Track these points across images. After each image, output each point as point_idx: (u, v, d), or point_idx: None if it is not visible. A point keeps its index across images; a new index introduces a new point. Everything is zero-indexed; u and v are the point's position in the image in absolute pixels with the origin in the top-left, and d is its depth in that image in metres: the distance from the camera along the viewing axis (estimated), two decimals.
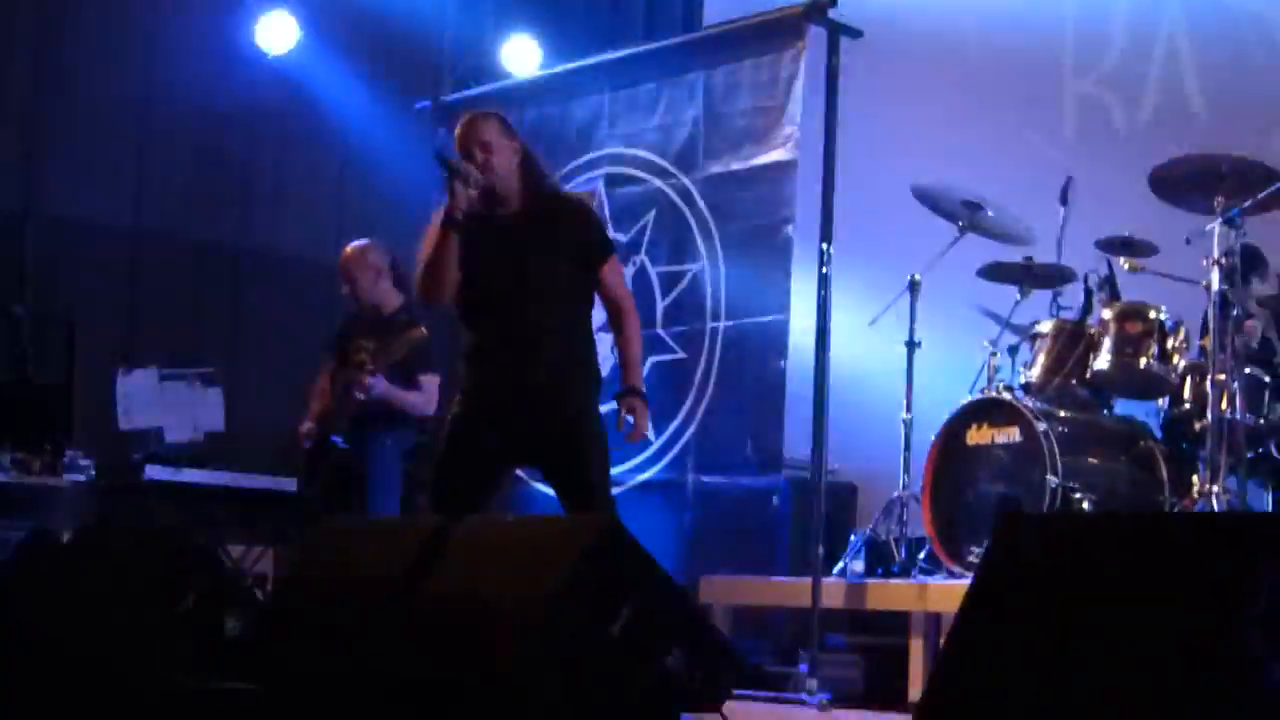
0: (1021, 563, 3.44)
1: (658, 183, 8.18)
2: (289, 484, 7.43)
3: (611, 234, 7.35)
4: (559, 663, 3.86)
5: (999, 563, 3.47)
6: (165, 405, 7.74)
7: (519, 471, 6.61)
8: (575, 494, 5.32)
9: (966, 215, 6.96)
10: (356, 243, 7.16)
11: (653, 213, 8.15)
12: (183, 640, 4.65)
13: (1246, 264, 6.24)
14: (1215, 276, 5.92)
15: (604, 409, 5.49)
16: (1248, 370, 6.11)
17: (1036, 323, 6.83)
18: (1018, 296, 6.97)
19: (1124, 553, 3.33)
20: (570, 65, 8.93)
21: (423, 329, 6.62)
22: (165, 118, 8.84)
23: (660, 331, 7.88)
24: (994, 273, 7.01)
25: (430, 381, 6.77)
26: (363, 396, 6.63)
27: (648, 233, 8.14)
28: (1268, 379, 6.15)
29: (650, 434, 7.69)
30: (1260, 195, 5.72)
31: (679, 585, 4.13)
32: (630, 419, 5.37)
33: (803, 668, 6.21)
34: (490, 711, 3.82)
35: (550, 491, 5.52)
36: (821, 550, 6.37)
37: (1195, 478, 6.12)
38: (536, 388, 5.35)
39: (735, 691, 5.31)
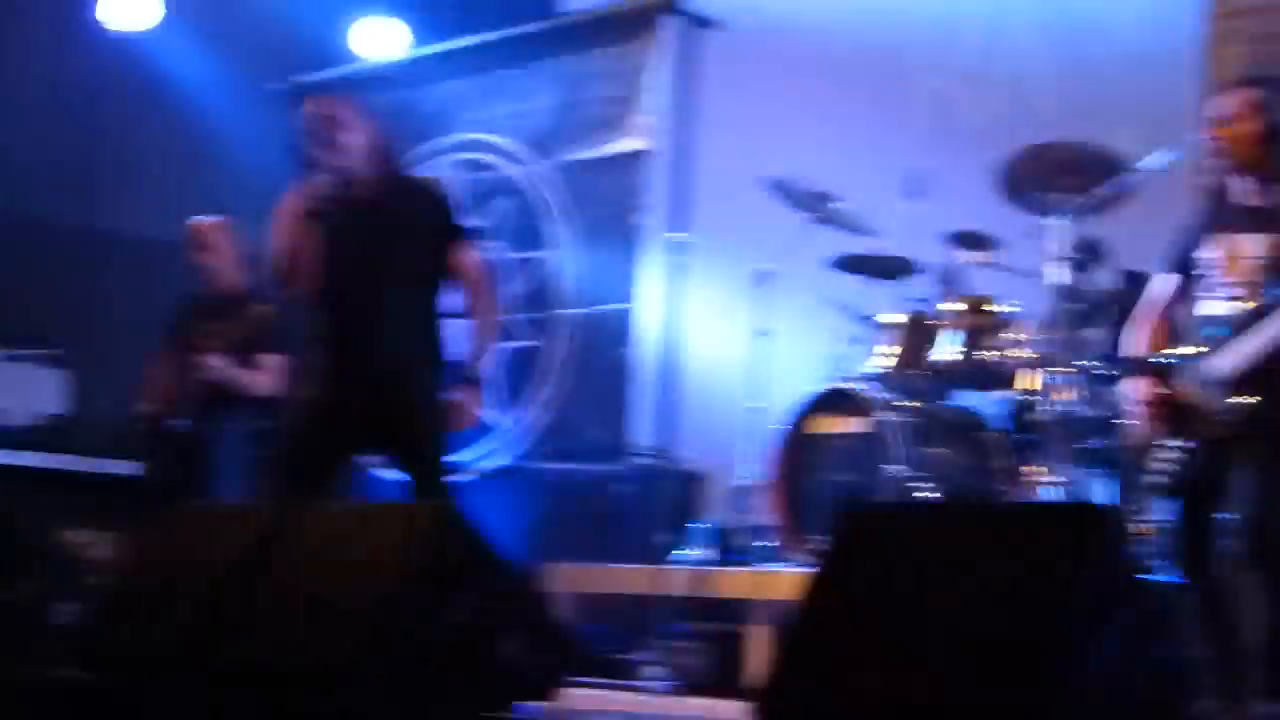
0: (860, 551, 3.48)
1: (512, 169, 8.16)
2: (132, 468, 7.28)
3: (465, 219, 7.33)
4: (395, 649, 3.83)
5: (838, 551, 3.50)
6: (3, 387, 7.56)
7: (364, 457, 6.55)
8: (417, 478, 5.30)
9: (818, 206, 6.99)
10: (205, 218, 7.02)
11: (506, 199, 8.13)
12: (10, 628, 4.55)
13: (1088, 257, 6.34)
14: (1055, 270, 6.00)
15: None
16: (1085, 362, 6.20)
17: (883, 314, 6.88)
18: (866, 287, 7.03)
19: (957, 541, 3.38)
20: (427, 49, 8.89)
21: (269, 308, 6.53)
22: (6, 93, 8.63)
23: (512, 318, 7.85)
24: (844, 264, 7.06)
25: (273, 362, 6.62)
26: (204, 377, 6.52)
27: (500, 219, 8.12)
28: (1104, 371, 6.24)
29: (503, 420, 7.69)
30: (1101, 189, 5.79)
31: (517, 571, 4.11)
32: (462, 406, 5.37)
33: (645, 655, 6.22)
34: (327, 699, 3.78)
35: (394, 477, 5.49)
36: (668, 538, 6.37)
37: (1033, 467, 6.19)
38: (381, 371, 5.32)
39: (579, 679, 5.33)
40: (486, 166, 8.24)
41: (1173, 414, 4.78)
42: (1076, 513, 3.72)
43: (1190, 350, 4.82)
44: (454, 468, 5.47)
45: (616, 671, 6.27)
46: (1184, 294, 5.04)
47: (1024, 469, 6.33)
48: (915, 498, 6.20)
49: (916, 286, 6.91)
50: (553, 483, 7.49)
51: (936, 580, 3.25)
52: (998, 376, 6.60)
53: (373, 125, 5.46)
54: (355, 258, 5.33)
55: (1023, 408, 6.51)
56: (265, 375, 6.62)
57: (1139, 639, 3.33)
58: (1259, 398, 4.58)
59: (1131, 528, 6.15)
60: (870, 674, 3.16)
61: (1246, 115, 4.80)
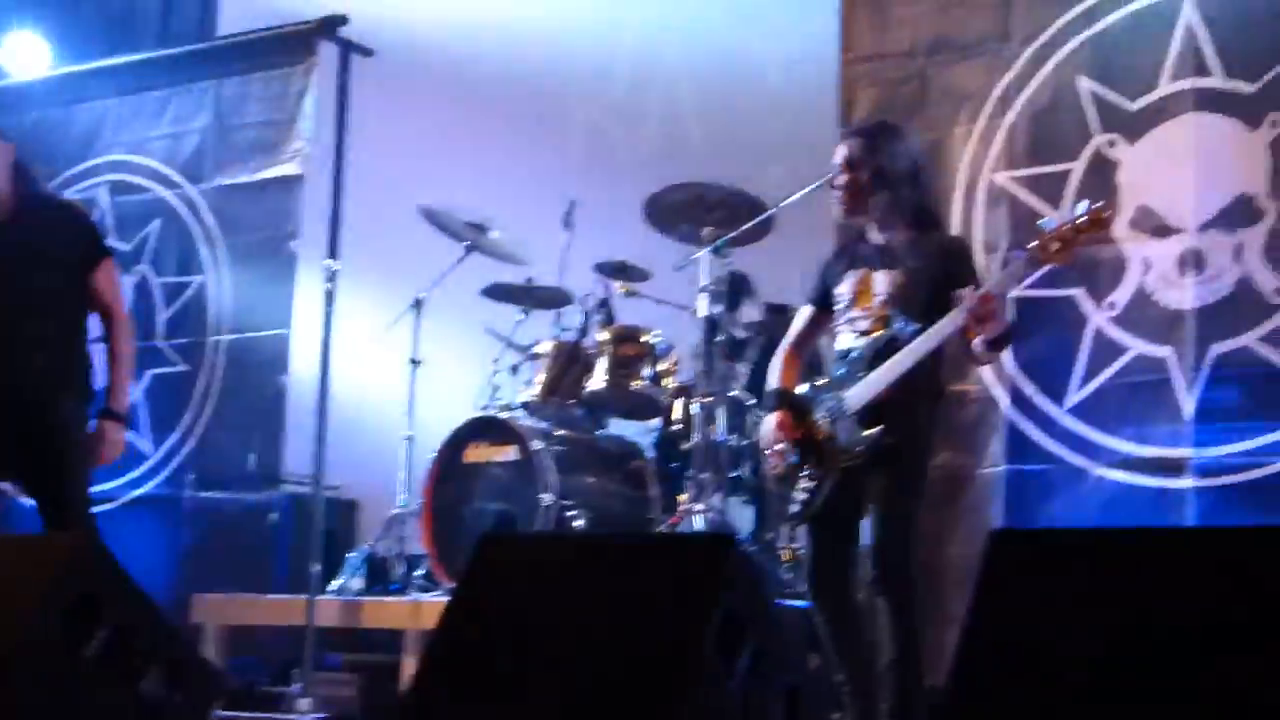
0: (495, 581, 3.51)
1: (163, 192, 7.99)
2: None
3: (114, 243, 7.16)
4: (29, 686, 3.71)
5: (473, 580, 3.53)
6: None
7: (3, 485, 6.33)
8: (55, 509, 5.18)
9: (472, 235, 7.05)
10: None
11: (157, 222, 7.95)
12: None
13: (736, 290, 6.53)
14: (704, 302, 6.17)
15: None
16: (733, 393, 6.38)
17: (537, 343, 6.96)
18: (520, 316, 7.11)
19: (592, 571, 3.44)
20: (75, 68, 8.64)
21: None
22: None
23: (161, 343, 7.70)
24: (497, 293, 7.12)
25: None
26: None
27: (151, 242, 7.94)
28: (751, 402, 6.43)
29: (149, 448, 7.52)
30: (746, 225, 5.98)
31: (157, 604, 4.02)
32: (105, 435, 5.28)
33: (295, 687, 6.14)
34: None
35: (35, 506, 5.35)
36: (319, 567, 6.30)
37: (683, 496, 6.34)
38: (21, 399, 5.19)
39: (226, 713, 5.23)
40: (137, 189, 8.04)
41: (807, 445, 4.96)
42: (711, 542, 3.83)
43: (823, 382, 5.02)
44: (96, 499, 5.35)
45: (266, 705, 6.17)
46: (822, 328, 5.25)
47: (674, 497, 6.47)
48: (567, 526, 6.29)
49: (570, 316, 7.01)
50: (202, 512, 7.34)
51: (570, 610, 3.30)
52: (649, 406, 6.74)
53: (10, 146, 5.32)
54: None
55: (673, 437, 6.67)
56: None
57: (771, 665, 3.43)
58: (883, 429, 4.79)
59: (770, 555, 6.38)
60: (496, 705, 3.20)
61: (853, 164, 5.04)
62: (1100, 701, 2.85)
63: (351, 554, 6.88)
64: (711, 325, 6.14)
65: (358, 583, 6.67)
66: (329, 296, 6.44)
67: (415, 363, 7.04)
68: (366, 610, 6.47)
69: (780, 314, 6.38)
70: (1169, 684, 2.79)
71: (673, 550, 3.62)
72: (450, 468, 6.61)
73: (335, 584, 6.67)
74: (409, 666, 6.12)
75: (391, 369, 7.16)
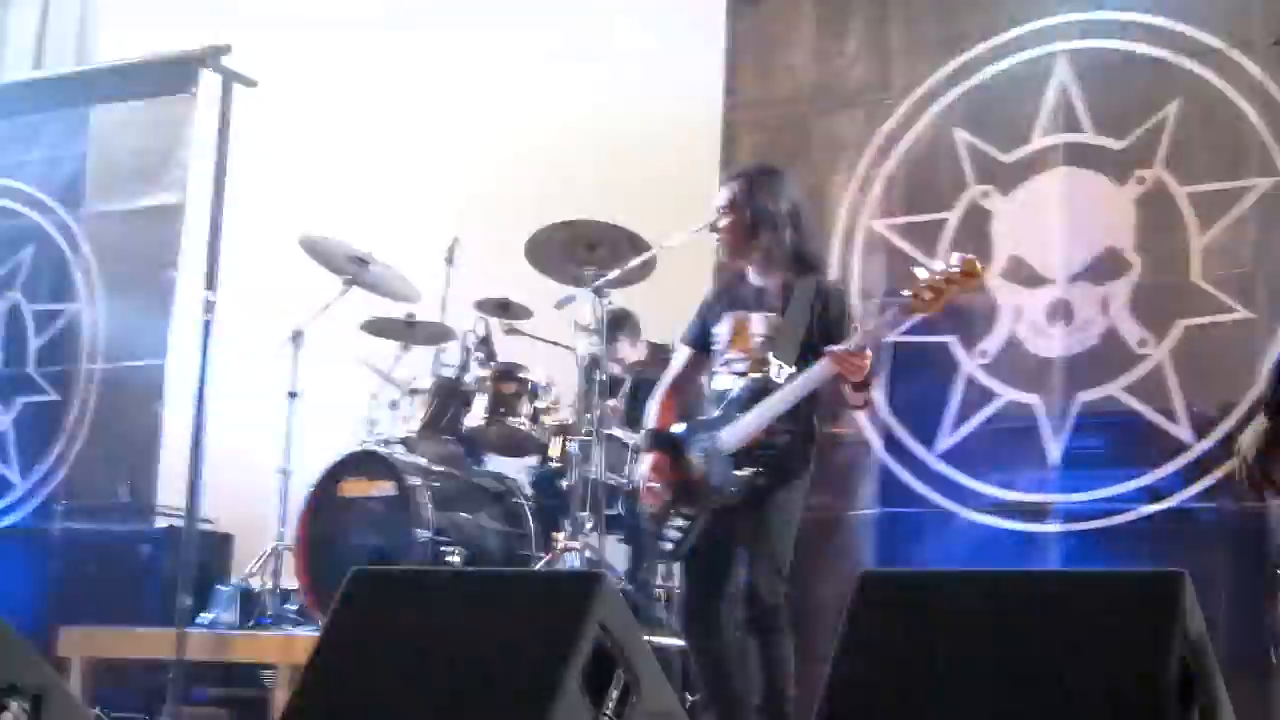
0: (368, 616, 3.54)
1: (37, 217, 7.93)
2: None
3: None
4: None
5: (345, 615, 3.55)
6: None
7: None
8: None
9: (353, 269, 7.04)
10: None
11: (31, 248, 7.91)
12: None
13: (617, 327, 6.58)
14: (584, 341, 6.22)
15: None
16: (611, 431, 6.44)
17: (416, 379, 6.97)
18: (400, 352, 7.11)
19: (466, 606, 3.48)
20: None
21: None
22: None
23: (32, 371, 7.64)
24: (377, 327, 7.12)
25: None
26: None
27: (24, 269, 7.88)
28: (630, 440, 6.50)
29: (17, 478, 7.44)
30: (628, 265, 6.05)
31: (21, 636, 3.99)
32: None
33: None
34: None
35: None
36: (190, 600, 6.26)
37: (559, 533, 6.37)
38: None
39: None
40: (12, 214, 7.98)
41: (682, 485, 5.03)
42: (582, 578, 3.88)
43: (699, 423, 5.10)
44: None
45: None
46: (700, 369, 5.33)
47: (551, 534, 6.50)
48: (443, 561, 6.29)
49: (450, 353, 7.02)
50: (72, 543, 7.28)
51: (440, 643, 3.34)
52: (527, 443, 6.77)
53: None
54: None
55: (550, 474, 6.71)
56: None
57: (640, 699, 3.48)
58: (756, 470, 4.87)
59: (645, 593, 6.44)
60: None
61: (735, 206, 5.14)
62: None
63: (224, 586, 6.84)
64: (591, 363, 6.18)
65: (229, 616, 6.62)
66: (206, 327, 6.42)
67: (293, 395, 7.01)
68: (237, 643, 6.43)
69: (662, 352, 6.46)
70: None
71: (544, 586, 3.67)
72: (326, 501, 6.57)
73: (206, 617, 6.62)
74: (280, 700, 6.10)
75: (269, 401, 7.12)
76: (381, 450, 6.65)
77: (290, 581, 6.74)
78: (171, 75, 7.61)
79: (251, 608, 6.74)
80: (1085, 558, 5.44)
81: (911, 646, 3.15)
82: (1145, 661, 2.97)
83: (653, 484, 5.08)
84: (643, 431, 5.40)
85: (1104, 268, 5.68)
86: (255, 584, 6.87)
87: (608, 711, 3.33)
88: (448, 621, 3.41)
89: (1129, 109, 5.73)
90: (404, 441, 6.77)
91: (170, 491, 7.03)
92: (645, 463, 5.14)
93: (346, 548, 6.45)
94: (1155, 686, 2.93)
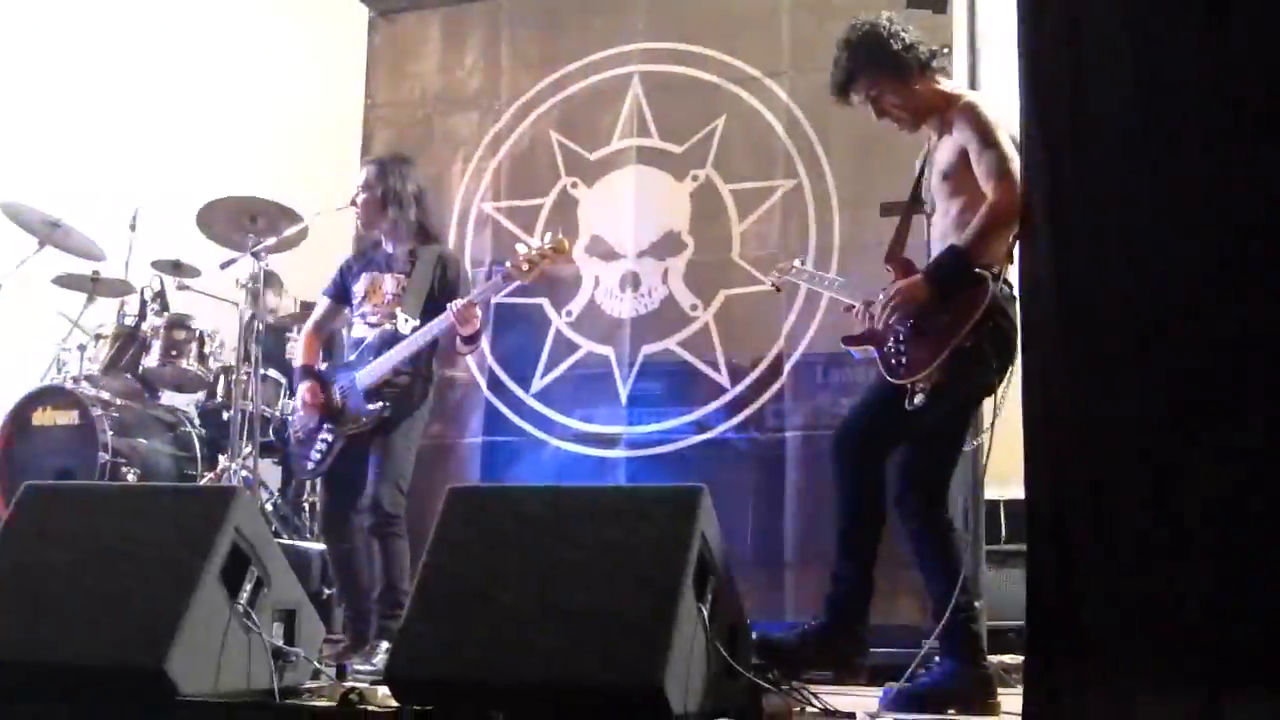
0: (38, 524, 3.45)
1: None
2: None
3: None
4: None
5: (19, 523, 3.47)
6: None
7: None
8: None
9: (45, 231, 6.77)
10: None
11: None
12: None
13: (267, 285, 6.49)
14: (242, 296, 6.12)
15: None
16: (267, 372, 6.35)
17: (101, 326, 6.75)
18: (87, 303, 6.88)
19: (120, 516, 3.43)
20: None
21: None
22: None
23: None
24: (67, 281, 6.87)
25: None
26: None
27: None
28: (283, 380, 6.43)
29: None
30: (282, 234, 5.96)
31: None
32: None
33: None
34: None
35: None
36: None
37: (222, 456, 6.27)
38: None
39: None
40: None
41: (325, 413, 5.02)
42: (220, 492, 3.86)
43: (342, 363, 5.11)
44: None
45: None
46: (336, 316, 5.33)
47: (216, 458, 6.40)
48: (121, 480, 6.12)
49: (131, 304, 6.82)
50: None
51: (93, 547, 3.31)
52: (196, 382, 6.64)
53: None
54: None
55: (216, 408, 6.60)
56: None
57: (270, 592, 3.49)
58: (384, 404, 4.90)
59: (294, 506, 6.40)
60: (35, 617, 3.19)
61: (370, 186, 5.16)
62: (524, 619, 3.04)
63: None
64: (250, 317, 6.09)
65: None
66: None
67: None
68: None
69: (307, 307, 6.40)
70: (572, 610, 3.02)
71: (190, 498, 3.65)
72: (19, 429, 6.33)
73: None
74: None
75: None
76: (68, 385, 6.43)
77: None
78: None
79: None
80: (647, 477, 5.57)
81: (485, 544, 3.24)
82: (670, 555, 3.11)
83: (304, 410, 5.07)
84: (294, 368, 5.36)
85: (665, 246, 5.81)
86: None
87: (241, 601, 3.34)
88: (108, 527, 3.37)
89: (687, 121, 5.87)
90: (89, 379, 6.56)
91: None
92: (301, 390, 5.11)
93: (38, 469, 6.21)
94: (678, 574, 3.07)
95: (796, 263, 4.80)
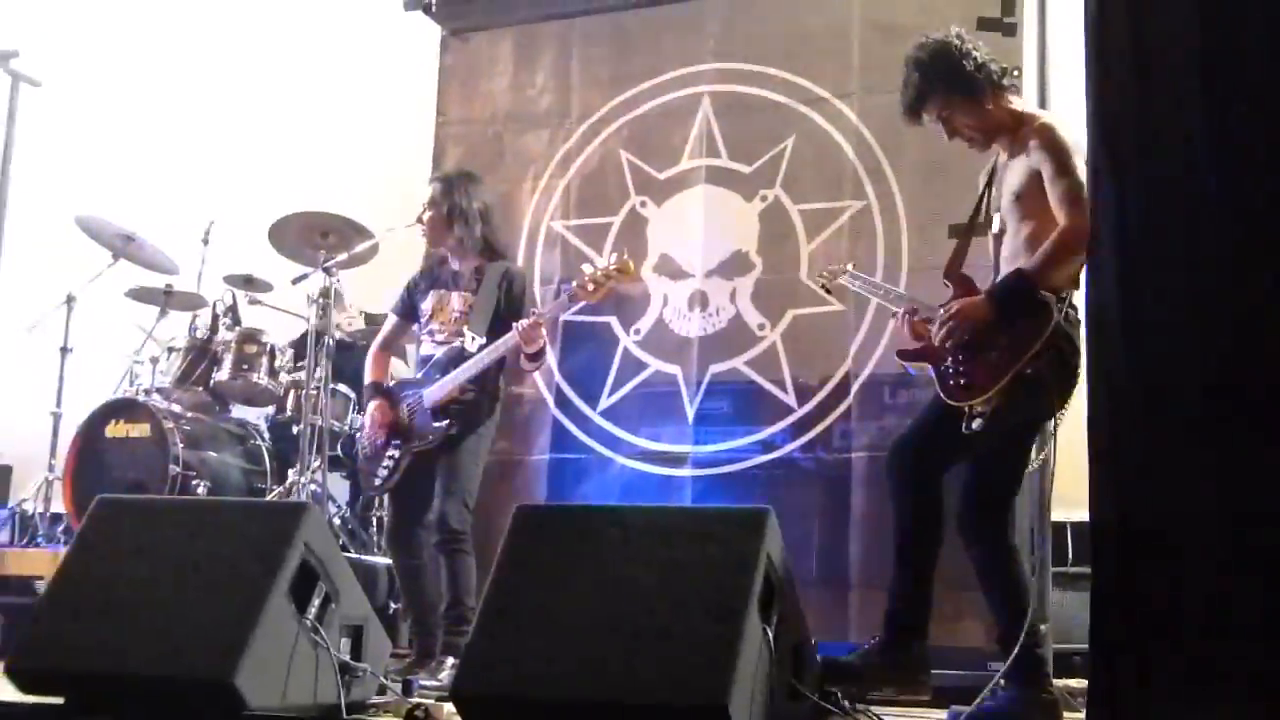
0: (110, 535, 3.54)
1: None
2: None
3: None
4: None
5: (90, 535, 3.55)
6: None
7: None
8: None
9: (119, 245, 6.93)
10: None
11: None
12: None
13: (336, 302, 6.59)
14: (312, 312, 6.22)
15: None
16: (336, 387, 6.45)
17: (174, 339, 6.88)
18: (160, 316, 7.01)
19: (194, 529, 3.51)
20: None
21: None
22: None
23: None
24: (140, 295, 7.01)
25: None
26: None
27: None
28: (352, 395, 6.53)
29: None
30: (353, 250, 6.05)
31: None
32: None
33: None
34: None
35: None
36: None
37: (291, 470, 6.36)
38: None
39: None
40: None
41: (393, 430, 5.10)
42: (292, 508, 3.92)
43: (409, 380, 5.19)
44: None
45: None
46: (404, 334, 5.42)
47: (285, 472, 6.49)
48: (191, 492, 6.23)
49: (203, 318, 6.95)
50: None
51: (167, 556, 3.38)
52: (266, 395, 6.74)
53: None
54: None
55: (285, 422, 6.69)
56: None
57: (339, 607, 3.56)
58: (450, 421, 4.98)
59: (361, 521, 6.49)
60: (111, 625, 3.26)
61: (436, 203, 5.24)
62: (590, 637, 3.09)
63: (1, 511, 6.66)
64: (319, 331, 6.18)
65: (4, 535, 6.46)
66: None
67: (65, 350, 6.88)
68: (10, 558, 6.27)
69: (374, 322, 6.50)
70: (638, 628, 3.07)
71: (260, 513, 3.73)
72: (91, 439, 6.47)
73: None
74: None
75: (46, 355, 6.95)
76: (141, 398, 6.56)
77: (60, 508, 6.61)
78: None
79: (24, 529, 6.59)
80: (713, 496, 5.57)
81: (552, 563, 3.29)
82: (736, 576, 3.16)
83: (372, 428, 5.15)
84: (364, 385, 5.44)
85: (733, 266, 5.82)
86: (29, 509, 6.72)
87: (309, 616, 3.41)
88: (179, 540, 3.44)
89: (756, 141, 5.87)
90: (160, 391, 6.68)
91: None
92: (370, 409, 5.20)
93: (109, 480, 6.34)
94: (744, 594, 3.11)
95: (849, 266, 4.84)
